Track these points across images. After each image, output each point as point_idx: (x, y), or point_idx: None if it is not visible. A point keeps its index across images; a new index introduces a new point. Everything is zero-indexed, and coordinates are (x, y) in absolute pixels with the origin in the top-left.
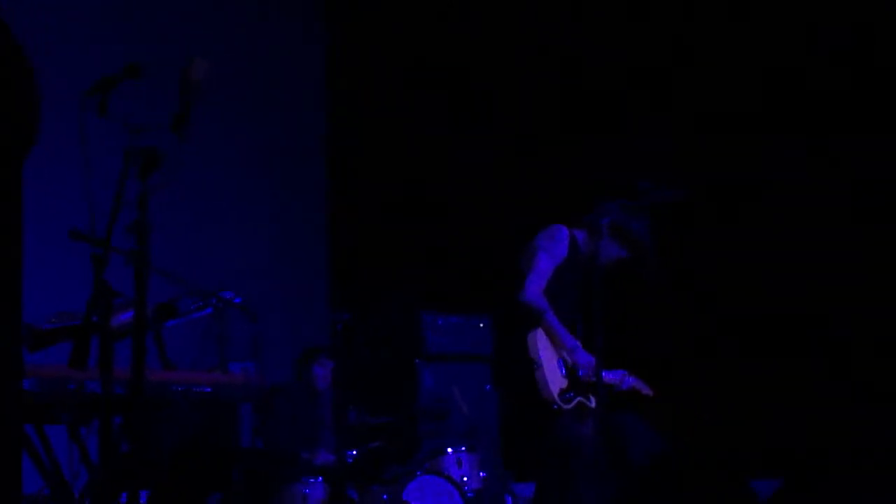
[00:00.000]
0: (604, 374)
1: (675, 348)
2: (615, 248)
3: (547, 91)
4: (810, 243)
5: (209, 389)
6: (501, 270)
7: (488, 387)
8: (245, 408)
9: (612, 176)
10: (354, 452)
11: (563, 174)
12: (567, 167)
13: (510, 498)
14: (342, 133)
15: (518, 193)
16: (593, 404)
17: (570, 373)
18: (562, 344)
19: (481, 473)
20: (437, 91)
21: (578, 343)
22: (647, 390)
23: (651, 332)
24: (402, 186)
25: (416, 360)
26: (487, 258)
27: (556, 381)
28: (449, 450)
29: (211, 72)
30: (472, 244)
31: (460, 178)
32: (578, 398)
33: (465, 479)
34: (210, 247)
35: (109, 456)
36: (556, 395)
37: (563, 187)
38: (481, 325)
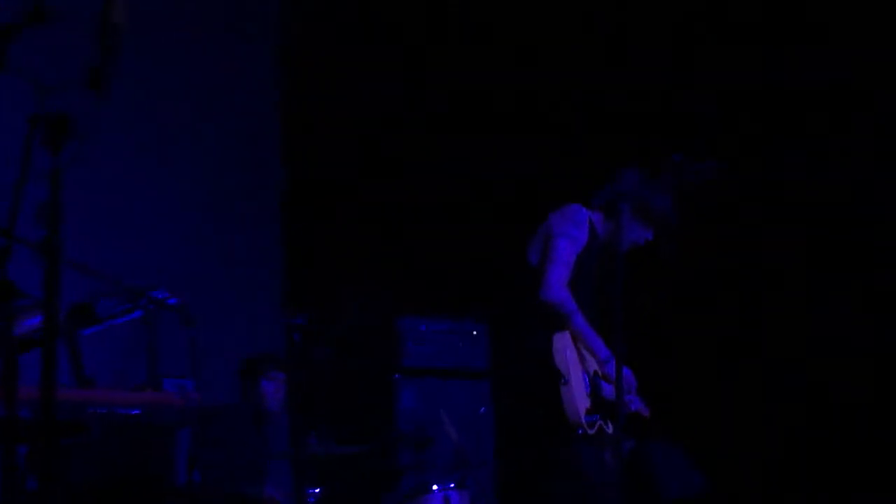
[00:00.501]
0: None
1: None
2: (639, 230)
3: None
4: None
5: (137, 412)
6: (499, 266)
7: (483, 409)
8: (182, 434)
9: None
10: (317, 490)
11: (559, 147)
12: (563, 137)
13: None
14: (300, 103)
15: (512, 174)
16: (610, 430)
17: (595, 390)
18: (594, 353)
19: None
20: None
21: (611, 353)
22: (646, 412)
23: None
24: (377, 164)
25: (394, 376)
26: (482, 252)
27: (582, 399)
28: (434, 487)
29: (136, 15)
30: (462, 235)
31: (446, 157)
32: (600, 422)
33: None
34: (138, 236)
35: (12, 493)
36: (583, 418)
37: (563, 161)
38: (475, 332)
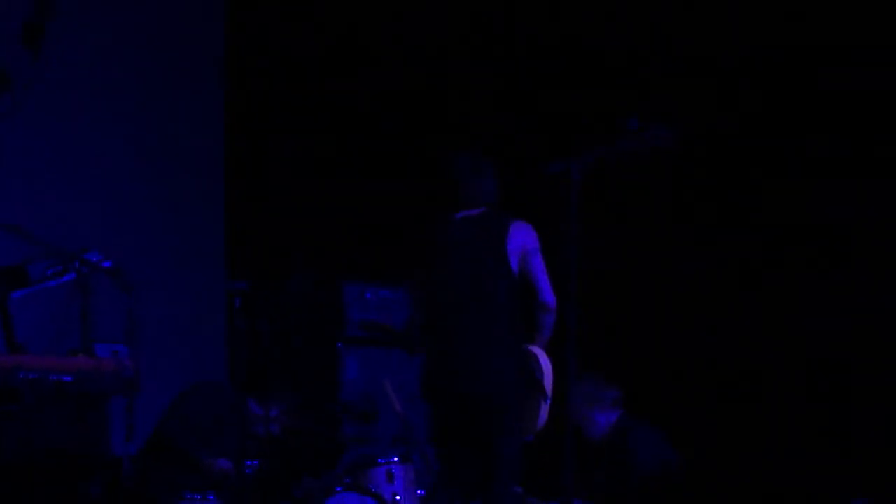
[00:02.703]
0: None
1: None
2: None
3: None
4: None
5: (69, 378)
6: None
7: None
8: (116, 402)
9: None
10: (255, 462)
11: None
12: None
13: None
14: (243, 68)
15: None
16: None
17: None
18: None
19: (419, 491)
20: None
21: None
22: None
23: None
24: (321, 130)
25: (337, 344)
26: (429, 217)
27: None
28: (379, 460)
29: None
30: (410, 201)
31: (393, 118)
32: None
33: (398, 497)
34: (72, 196)
35: None
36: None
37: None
38: None
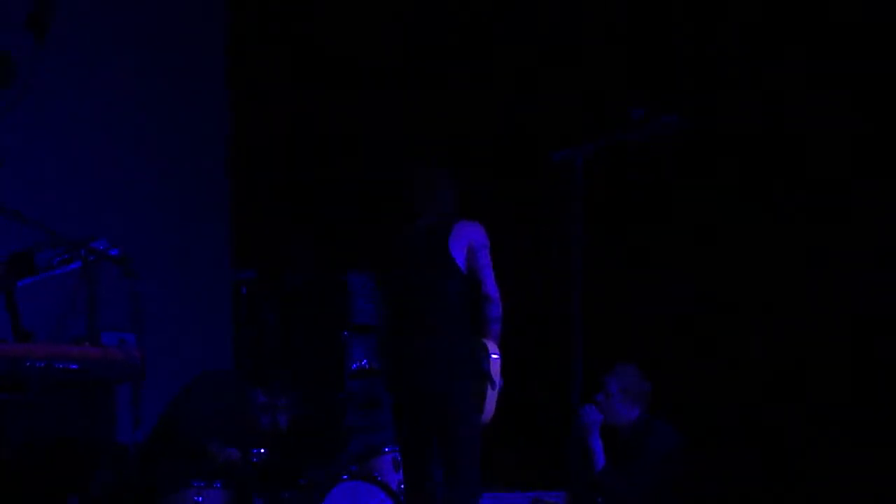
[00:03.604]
0: None
1: None
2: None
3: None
4: None
5: (76, 366)
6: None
7: None
8: (122, 390)
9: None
10: (262, 451)
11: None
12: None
13: None
14: (247, 55)
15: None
16: None
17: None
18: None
19: None
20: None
21: None
22: None
23: None
24: (326, 116)
25: (343, 333)
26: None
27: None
28: (385, 449)
29: None
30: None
31: (399, 105)
32: None
33: (404, 486)
34: (79, 184)
35: None
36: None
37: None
38: None
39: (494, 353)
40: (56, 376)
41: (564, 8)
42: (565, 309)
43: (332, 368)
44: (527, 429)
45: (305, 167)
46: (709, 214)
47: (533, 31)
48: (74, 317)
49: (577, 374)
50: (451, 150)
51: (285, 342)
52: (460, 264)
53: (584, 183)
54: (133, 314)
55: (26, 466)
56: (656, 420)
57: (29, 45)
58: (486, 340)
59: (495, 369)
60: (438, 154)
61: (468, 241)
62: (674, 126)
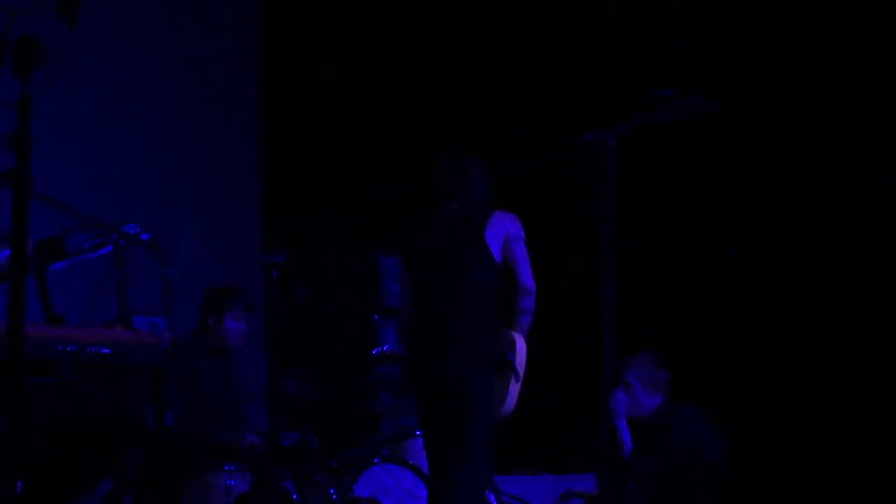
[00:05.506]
0: None
1: None
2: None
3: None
4: None
5: (107, 350)
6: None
7: None
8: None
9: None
10: (292, 434)
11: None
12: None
13: (492, 494)
14: (279, 39)
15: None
16: None
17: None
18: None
19: None
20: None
21: None
22: None
23: None
24: (359, 92)
25: (374, 316)
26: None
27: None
28: (416, 432)
29: None
30: None
31: (431, 91)
32: None
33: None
34: (109, 168)
35: None
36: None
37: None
38: None
39: (520, 345)
40: (87, 360)
41: None
42: (596, 292)
43: (361, 351)
44: (557, 413)
45: (337, 149)
46: (741, 197)
47: (568, 13)
48: (106, 301)
49: (607, 359)
50: (482, 131)
51: (315, 325)
52: (495, 254)
53: (615, 164)
54: (164, 298)
55: (58, 449)
56: (679, 404)
57: (59, 30)
58: (512, 332)
59: (520, 361)
60: (469, 136)
61: (504, 232)
62: (703, 106)
